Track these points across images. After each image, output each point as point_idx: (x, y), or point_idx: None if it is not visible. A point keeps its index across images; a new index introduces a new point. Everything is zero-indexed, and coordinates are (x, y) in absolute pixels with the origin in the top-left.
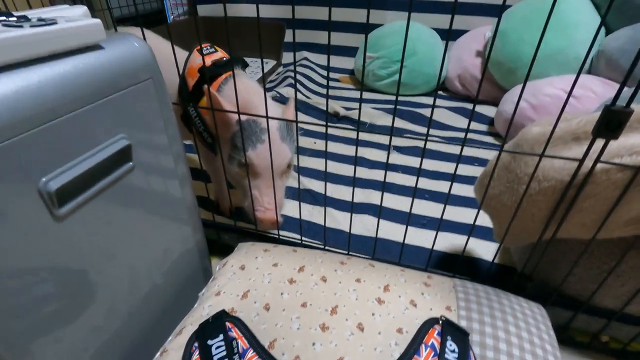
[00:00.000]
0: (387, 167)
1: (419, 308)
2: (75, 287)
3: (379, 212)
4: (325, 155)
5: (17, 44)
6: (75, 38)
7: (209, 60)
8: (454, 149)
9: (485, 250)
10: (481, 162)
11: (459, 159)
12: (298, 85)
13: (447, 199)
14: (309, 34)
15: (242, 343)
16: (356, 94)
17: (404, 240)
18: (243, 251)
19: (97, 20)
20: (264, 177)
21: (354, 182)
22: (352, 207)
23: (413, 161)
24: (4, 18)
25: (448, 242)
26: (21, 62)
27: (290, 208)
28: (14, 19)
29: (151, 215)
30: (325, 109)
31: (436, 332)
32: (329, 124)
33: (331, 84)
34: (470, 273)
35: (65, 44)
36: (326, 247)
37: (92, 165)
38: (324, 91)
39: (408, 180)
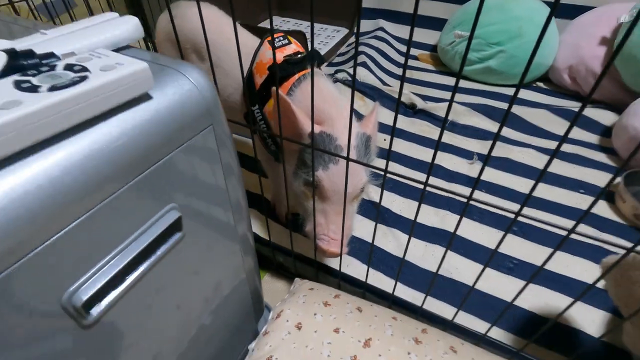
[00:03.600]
0: (475, 185)
1: None
2: (118, 352)
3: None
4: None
5: (26, 127)
6: (114, 97)
7: (280, 55)
8: (551, 166)
9: (589, 320)
10: (588, 188)
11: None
12: (369, 64)
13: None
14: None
15: None
16: (437, 78)
17: (511, 303)
18: (300, 300)
19: (144, 65)
20: (332, 202)
21: (421, 199)
22: (411, 230)
23: (499, 177)
24: (22, 79)
25: (541, 300)
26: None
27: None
28: (34, 70)
29: (201, 266)
30: (402, 98)
31: None
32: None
33: (409, 62)
34: (566, 346)
35: (100, 108)
36: (394, 294)
37: (131, 257)
38: (398, 71)
39: (492, 202)
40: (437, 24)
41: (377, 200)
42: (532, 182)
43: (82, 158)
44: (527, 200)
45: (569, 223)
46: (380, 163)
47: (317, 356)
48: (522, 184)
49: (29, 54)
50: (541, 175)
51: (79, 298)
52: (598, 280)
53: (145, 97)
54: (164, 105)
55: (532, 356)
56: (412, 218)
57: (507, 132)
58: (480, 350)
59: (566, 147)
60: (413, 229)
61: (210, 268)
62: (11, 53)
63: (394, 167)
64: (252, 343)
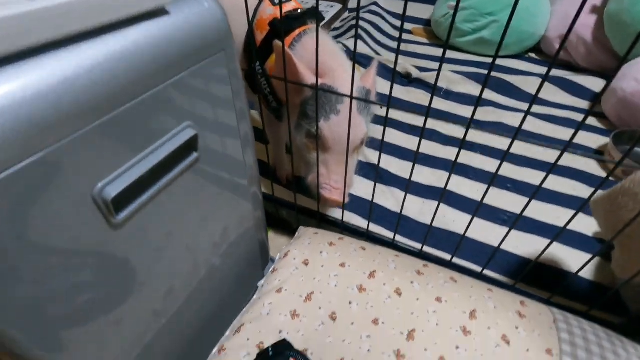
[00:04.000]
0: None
1: (512, 347)
2: (134, 274)
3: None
4: (382, 140)
5: (49, 18)
6: (134, 3)
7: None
8: (547, 130)
9: (579, 263)
10: (579, 149)
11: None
12: (365, 37)
13: (536, 191)
14: None
15: None
16: (430, 51)
17: (498, 247)
18: (306, 241)
19: None
20: (334, 152)
21: (415, 159)
22: (407, 187)
23: (495, 141)
24: None
25: (533, 247)
26: (61, 40)
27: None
28: None
29: (212, 199)
30: (397, 68)
31: None
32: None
33: (403, 36)
34: (565, 292)
35: (120, 12)
36: (395, 240)
37: (154, 164)
38: (393, 44)
39: (487, 164)
40: None
41: (376, 163)
42: (526, 144)
43: (107, 60)
44: (515, 136)
45: (559, 180)
46: (379, 130)
47: (325, 286)
48: (515, 146)
49: None
50: (518, 130)
51: (109, 193)
52: (584, 204)
53: (162, 12)
54: (181, 21)
55: (525, 290)
56: (405, 176)
57: (500, 99)
58: (478, 281)
59: (557, 112)
60: (410, 182)
61: (220, 210)
62: None
63: (391, 132)
64: (262, 280)
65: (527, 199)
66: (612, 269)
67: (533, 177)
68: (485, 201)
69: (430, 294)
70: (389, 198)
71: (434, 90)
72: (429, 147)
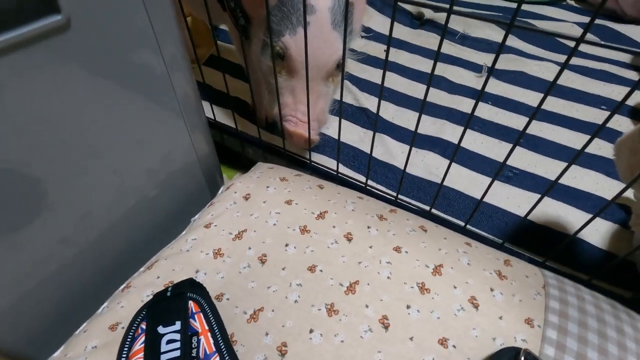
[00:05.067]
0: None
1: (480, 312)
2: (39, 190)
3: (454, 152)
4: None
5: None
6: None
7: None
8: (576, 83)
9: (592, 230)
10: (612, 105)
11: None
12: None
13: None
14: None
15: (205, 342)
16: None
17: (481, 199)
18: (254, 175)
19: None
20: (302, 77)
21: (422, 107)
22: (414, 139)
23: (511, 91)
24: None
25: (540, 209)
26: None
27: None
28: None
29: (128, 105)
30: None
31: None
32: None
33: None
34: (568, 259)
35: None
36: (368, 185)
37: None
38: None
39: (498, 116)
40: None
41: (367, 107)
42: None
43: None
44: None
45: (581, 136)
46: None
47: (262, 224)
48: (534, 98)
49: None
50: (552, 84)
51: None
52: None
53: None
54: None
55: (521, 251)
56: (404, 125)
57: (524, 46)
58: (455, 234)
59: (593, 64)
60: (414, 139)
61: (146, 130)
62: None
63: (393, 77)
64: (196, 215)
65: (539, 156)
66: (630, 225)
67: (549, 132)
68: (490, 155)
69: (388, 242)
70: (376, 145)
71: (444, 31)
72: (433, 95)
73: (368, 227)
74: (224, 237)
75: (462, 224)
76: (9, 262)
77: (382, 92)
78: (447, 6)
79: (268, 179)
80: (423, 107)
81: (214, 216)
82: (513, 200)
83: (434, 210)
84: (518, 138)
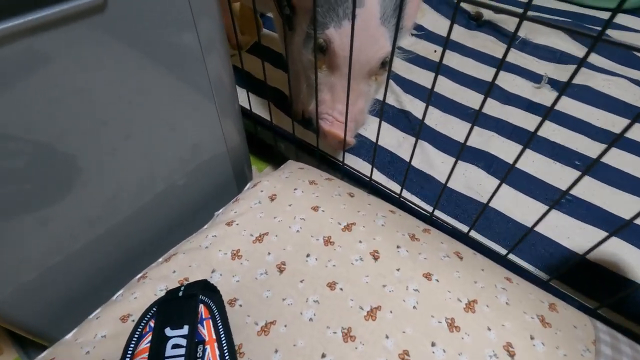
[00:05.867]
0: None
1: None
2: (68, 168)
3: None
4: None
5: None
6: None
7: None
8: None
9: None
10: None
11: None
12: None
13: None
14: None
15: (210, 353)
16: None
17: (532, 228)
18: (283, 175)
19: None
20: (343, 74)
21: (476, 118)
22: (462, 151)
23: (572, 107)
24: None
25: (590, 241)
26: None
27: (375, 129)
28: None
29: (161, 86)
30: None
31: None
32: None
33: None
34: (625, 309)
35: None
36: (402, 197)
37: None
38: None
39: (555, 134)
40: None
41: (409, 110)
42: (616, 116)
43: None
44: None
45: None
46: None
47: (285, 229)
48: (598, 117)
49: None
50: None
51: None
52: None
53: None
54: None
55: (564, 292)
56: (448, 133)
57: (593, 57)
58: (495, 265)
59: None
60: (462, 151)
61: (178, 123)
62: None
63: (441, 81)
64: (220, 210)
65: (599, 183)
66: None
67: (614, 157)
68: (541, 176)
69: (418, 267)
70: (416, 153)
71: (511, 39)
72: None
73: (397, 247)
74: (245, 238)
75: (503, 251)
76: (39, 236)
77: (430, 97)
78: (516, 9)
79: (297, 180)
80: (477, 118)
81: (237, 214)
82: (562, 230)
83: (472, 233)
84: (591, 165)
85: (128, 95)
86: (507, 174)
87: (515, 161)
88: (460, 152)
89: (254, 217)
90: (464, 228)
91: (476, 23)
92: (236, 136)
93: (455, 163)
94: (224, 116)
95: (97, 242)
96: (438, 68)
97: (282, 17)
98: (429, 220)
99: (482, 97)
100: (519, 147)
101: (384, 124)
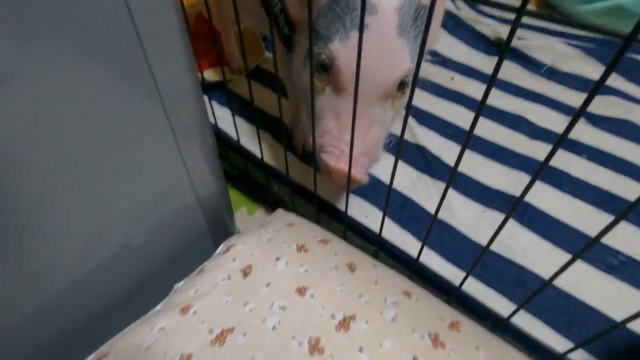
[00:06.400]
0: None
1: None
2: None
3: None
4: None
5: None
6: None
7: None
8: None
9: None
10: None
11: None
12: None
13: None
14: None
15: None
16: (538, 22)
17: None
18: (265, 235)
19: None
20: (349, 96)
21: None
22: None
23: (612, 144)
24: None
25: None
26: None
27: (385, 166)
28: None
29: (102, 105)
30: (484, 31)
31: None
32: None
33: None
34: None
35: None
36: (419, 261)
37: None
38: (484, 7)
39: (596, 175)
40: None
41: (424, 145)
42: None
43: None
44: None
45: None
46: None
47: (257, 325)
48: None
49: None
50: None
51: None
52: None
53: None
54: None
55: None
56: (469, 173)
57: (629, 87)
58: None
59: None
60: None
61: (123, 154)
62: None
63: (458, 111)
64: (181, 282)
65: None
66: None
67: None
68: (588, 231)
69: None
70: (432, 195)
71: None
72: (510, 138)
73: (414, 359)
74: (201, 335)
75: (558, 342)
76: None
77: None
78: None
79: (282, 244)
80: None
81: (197, 294)
82: (618, 301)
83: (514, 320)
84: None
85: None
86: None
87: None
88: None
89: (218, 302)
90: (500, 306)
91: (497, 49)
92: (210, 180)
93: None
94: (188, 154)
95: (9, 329)
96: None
97: (279, 37)
98: (455, 296)
99: (508, 130)
100: (555, 191)
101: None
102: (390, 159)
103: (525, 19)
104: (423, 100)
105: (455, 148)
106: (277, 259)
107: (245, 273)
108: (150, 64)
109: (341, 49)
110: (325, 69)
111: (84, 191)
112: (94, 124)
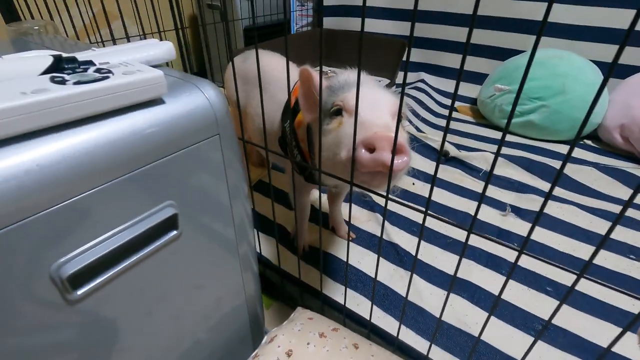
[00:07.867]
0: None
1: None
2: (102, 350)
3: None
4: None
5: (45, 109)
6: (128, 96)
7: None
8: (601, 228)
9: None
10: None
11: (601, 242)
12: (408, 113)
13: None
14: (430, 54)
15: None
16: (474, 129)
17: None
18: (296, 327)
19: (159, 73)
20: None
21: (463, 252)
22: (452, 285)
23: (536, 233)
24: (57, 74)
25: None
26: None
27: (368, 262)
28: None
29: (198, 273)
30: (434, 145)
31: None
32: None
33: (446, 113)
34: None
35: (115, 103)
36: (398, 338)
37: (119, 244)
38: (436, 121)
39: (525, 261)
40: (478, 78)
41: (397, 242)
42: (571, 240)
43: (93, 143)
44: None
45: (606, 294)
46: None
47: None
48: (559, 242)
49: (72, 60)
50: (603, 242)
51: (66, 270)
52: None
53: (159, 101)
54: (174, 108)
55: None
56: (432, 263)
57: (545, 186)
58: None
59: (614, 208)
60: (452, 286)
61: (208, 284)
62: (57, 57)
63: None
64: None
65: (571, 309)
66: None
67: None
68: (516, 303)
69: None
70: (406, 284)
71: (488, 178)
72: (459, 232)
73: None
74: None
75: None
76: None
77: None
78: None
79: (308, 333)
80: (463, 252)
81: None
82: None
83: None
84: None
85: (170, 288)
86: (493, 307)
87: (500, 293)
88: (451, 287)
89: None
90: None
91: (444, 158)
92: (253, 284)
93: (447, 299)
94: (245, 267)
95: None
96: (427, 204)
97: (293, 165)
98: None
99: (454, 228)
100: (497, 275)
101: (375, 257)
102: (373, 255)
103: (465, 128)
104: (392, 203)
105: (421, 244)
106: (308, 343)
107: (289, 354)
108: (232, 208)
109: (349, 94)
110: (339, 113)
111: (172, 306)
112: (196, 260)
